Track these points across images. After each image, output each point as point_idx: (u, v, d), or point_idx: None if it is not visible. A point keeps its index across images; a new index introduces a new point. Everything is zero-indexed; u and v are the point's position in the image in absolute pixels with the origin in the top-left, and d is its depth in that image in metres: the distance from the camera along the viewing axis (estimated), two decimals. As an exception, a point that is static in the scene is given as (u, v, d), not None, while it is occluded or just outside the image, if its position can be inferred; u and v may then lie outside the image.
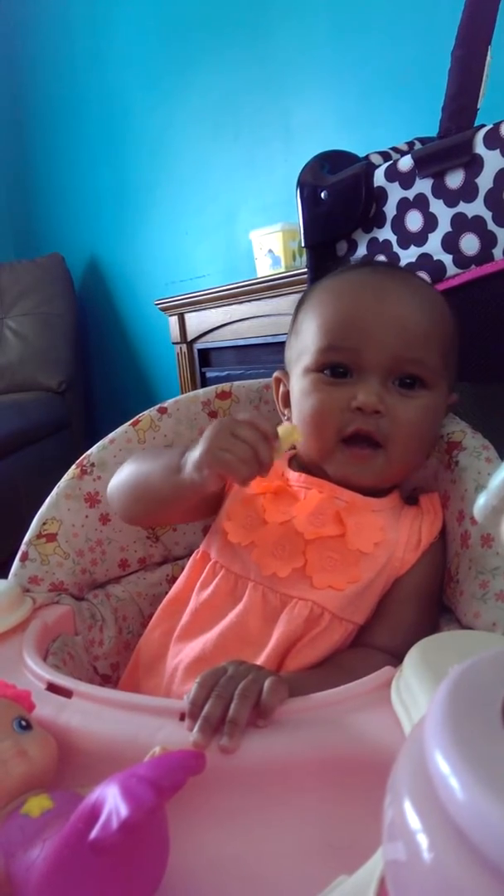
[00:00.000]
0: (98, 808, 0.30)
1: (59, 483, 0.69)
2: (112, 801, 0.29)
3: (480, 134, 0.60)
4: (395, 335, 0.55)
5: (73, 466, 0.70)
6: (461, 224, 0.63)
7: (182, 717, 0.41)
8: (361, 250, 0.73)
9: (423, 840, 0.20)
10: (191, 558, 0.62)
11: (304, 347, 0.59)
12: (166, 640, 0.59)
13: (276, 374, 0.66)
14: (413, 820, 0.20)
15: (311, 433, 0.57)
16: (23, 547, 0.65)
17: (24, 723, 0.38)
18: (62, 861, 0.31)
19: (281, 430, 0.51)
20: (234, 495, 0.61)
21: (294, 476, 0.60)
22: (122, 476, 0.62)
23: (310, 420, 0.57)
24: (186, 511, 0.63)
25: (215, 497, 0.61)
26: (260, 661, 0.53)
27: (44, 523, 0.66)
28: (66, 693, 0.45)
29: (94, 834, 0.29)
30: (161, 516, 0.65)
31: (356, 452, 0.55)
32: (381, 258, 0.72)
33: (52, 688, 0.46)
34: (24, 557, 0.64)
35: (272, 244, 1.34)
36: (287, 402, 0.63)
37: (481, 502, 0.31)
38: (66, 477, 0.69)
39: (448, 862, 0.19)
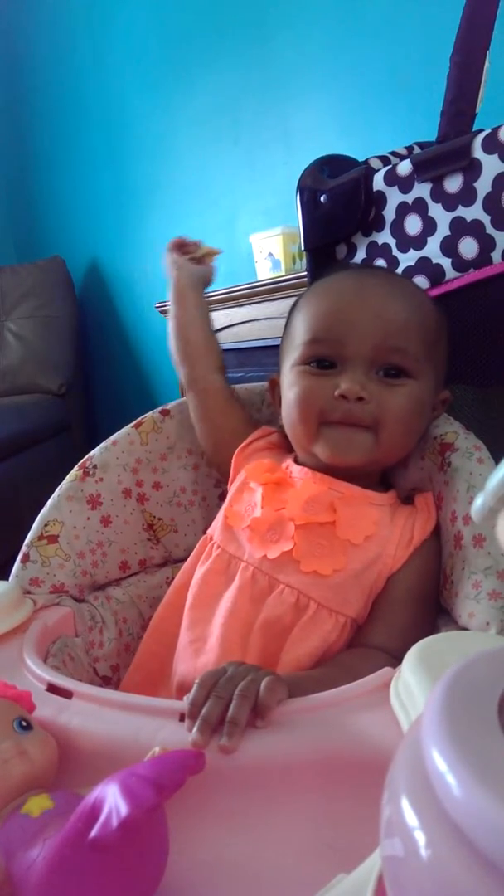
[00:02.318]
0: (98, 807, 0.30)
1: (60, 484, 0.69)
2: (112, 799, 0.29)
3: (479, 138, 0.60)
4: (375, 325, 0.57)
5: (76, 468, 0.70)
6: (460, 228, 0.64)
7: (182, 718, 0.41)
8: (361, 254, 0.74)
9: (420, 837, 0.20)
10: (198, 543, 0.65)
11: (292, 345, 0.62)
12: (172, 629, 0.61)
13: (271, 377, 0.68)
14: (410, 817, 0.20)
15: (297, 419, 0.60)
16: (24, 548, 0.65)
17: (24, 723, 0.39)
18: (62, 860, 0.31)
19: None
20: (240, 486, 0.64)
21: (296, 469, 0.62)
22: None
23: (295, 407, 0.59)
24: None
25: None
26: (249, 640, 0.55)
27: (45, 525, 0.66)
28: (66, 694, 0.45)
29: (94, 832, 0.29)
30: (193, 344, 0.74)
31: (344, 428, 0.57)
32: (381, 262, 0.72)
33: (53, 689, 0.46)
34: (25, 559, 0.64)
35: (272, 247, 1.34)
36: (282, 404, 0.64)
37: (478, 503, 0.32)
38: (67, 478, 0.70)
39: (445, 858, 0.19)
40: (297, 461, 0.64)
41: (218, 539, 0.62)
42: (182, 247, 0.80)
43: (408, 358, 0.57)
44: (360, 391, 0.55)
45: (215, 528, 0.64)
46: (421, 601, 0.56)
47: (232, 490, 0.65)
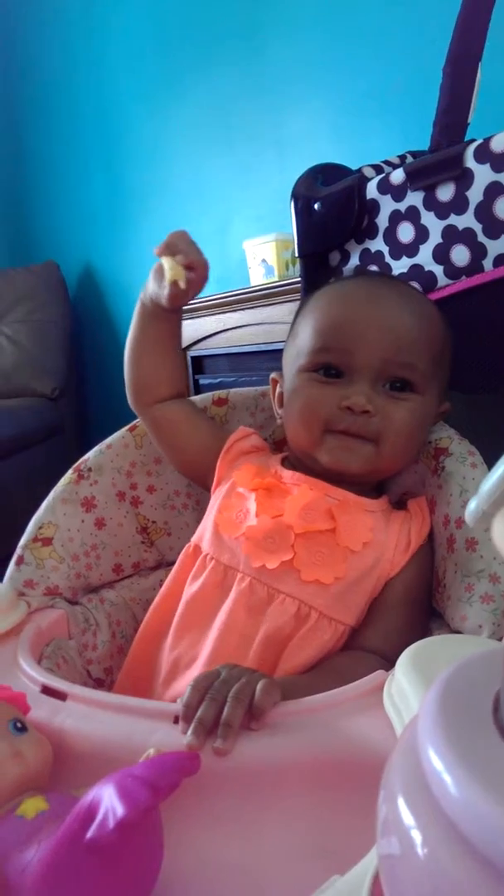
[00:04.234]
0: (94, 809, 0.30)
1: (55, 487, 0.69)
2: (108, 800, 0.29)
3: (471, 148, 0.61)
4: (386, 339, 0.56)
5: (70, 471, 0.70)
6: (452, 236, 0.64)
7: (176, 720, 0.41)
8: (354, 261, 0.74)
9: (417, 835, 0.20)
10: (182, 553, 0.63)
11: (299, 349, 0.61)
12: (160, 639, 0.60)
13: (273, 375, 0.68)
14: (407, 816, 0.21)
15: (300, 426, 0.59)
16: (18, 551, 0.65)
17: (19, 725, 0.39)
18: (57, 862, 0.31)
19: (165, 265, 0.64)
20: (229, 491, 0.62)
21: (287, 474, 0.61)
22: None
23: (299, 413, 0.59)
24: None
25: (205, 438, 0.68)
26: (249, 653, 0.54)
27: (40, 527, 0.66)
28: (60, 696, 0.45)
29: (90, 833, 0.29)
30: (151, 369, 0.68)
31: (347, 437, 0.57)
32: (374, 268, 0.73)
33: (47, 690, 0.46)
34: (20, 561, 0.64)
35: (265, 254, 1.35)
36: (282, 403, 0.64)
37: (472, 507, 0.32)
38: (62, 481, 0.70)
39: (442, 856, 0.19)
40: (283, 464, 0.63)
41: (209, 550, 0.60)
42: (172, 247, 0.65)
43: (416, 373, 0.57)
44: (366, 404, 0.55)
45: (203, 537, 0.61)
46: (415, 605, 0.57)
47: (219, 496, 0.63)
